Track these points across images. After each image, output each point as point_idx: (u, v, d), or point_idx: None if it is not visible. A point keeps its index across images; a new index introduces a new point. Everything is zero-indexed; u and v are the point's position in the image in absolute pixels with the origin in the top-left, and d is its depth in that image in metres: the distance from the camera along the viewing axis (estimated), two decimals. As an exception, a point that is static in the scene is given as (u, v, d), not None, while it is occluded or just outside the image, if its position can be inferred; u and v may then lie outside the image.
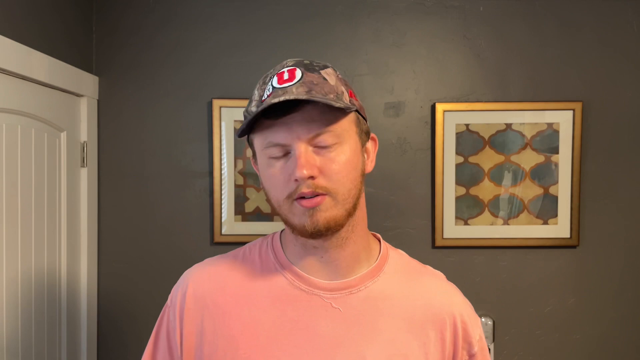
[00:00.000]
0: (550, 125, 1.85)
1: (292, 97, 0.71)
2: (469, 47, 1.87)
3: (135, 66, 1.87)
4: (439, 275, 0.89)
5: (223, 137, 1.85)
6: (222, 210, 1.85)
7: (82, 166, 1.79)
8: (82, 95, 1.78)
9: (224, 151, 1.85)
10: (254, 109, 0.77)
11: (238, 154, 1.86)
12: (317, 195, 0.73)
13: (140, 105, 1.88)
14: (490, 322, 1.83)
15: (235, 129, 1.85)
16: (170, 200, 1.88)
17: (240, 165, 1.86)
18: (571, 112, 1.84)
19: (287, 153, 0.75)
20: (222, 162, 1.85)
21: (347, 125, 0.76)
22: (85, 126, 1.79)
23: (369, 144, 0.83)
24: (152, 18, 1.87)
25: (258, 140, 0.78)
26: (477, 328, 0.85)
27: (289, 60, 0.79)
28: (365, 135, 0.81)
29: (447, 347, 0.81)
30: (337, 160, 0.75)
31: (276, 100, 0.70)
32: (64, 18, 1.68)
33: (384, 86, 1.87)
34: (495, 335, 1.86)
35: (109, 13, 1.87)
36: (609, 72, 1.86)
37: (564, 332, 1.87)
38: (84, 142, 1.79)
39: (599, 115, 1.86)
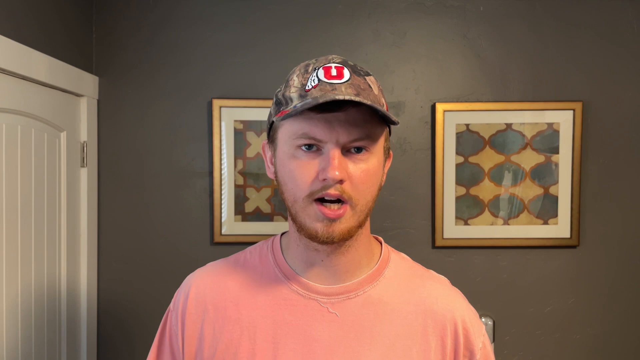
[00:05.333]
0: (550, 125, 1.85)
1: (353, 97, 0.68)
2: (469, 47, 1.87)
3: (135, 66, 1.87)
4: (442, 280, 0.87)
5: (223, 137, 1.85)
6: (222, 210, 1.85)
7: (82, 166, 1.79)
8: (82, 95, 1.78)
9: (224, 151, 1.85)
10: (294, 95, 0.74)
11: (238, 154, 1.86)
12: (339, 201, 0.72)
13: (140, 105, 1.88)
14: (490, 322, 1.83)
15: (235, 128, 1.85)
16: (170, 200, 1.88)
17: (240, 165, 1.86)
18: (571, 112, 1.84)
19: (317, 149, 0.73)
20: (222, 162, 1.85)
21: (380, 139, 0.76)
22: (85, 126, 1.79)
23: (386, 161, 0.82)
24: (152, 18, 1.87)
25: (289, 127, 0.74)
26: (481, 336, 0.82)
27: (333, 56, 0.77)
28: (387, 151, 0.80)
29: (447, 354, 0.80)
30: (366, 170, 0.74)
31: (341, 97, 0.68)
32: (64, 18, 1.68)
33: (384, 86, 1.87)
34: (495, 335, 1.86)
35: (109, 13, 1.87)
36: (609, 72, 1.86)
37: (564, 332, 1.87)
38: (84, 142, 1.79)
39: (599, 115, 1.86)
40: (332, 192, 0.72)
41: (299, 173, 0.73)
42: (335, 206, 0.73)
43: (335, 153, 0.71)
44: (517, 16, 1.86)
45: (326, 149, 0.72)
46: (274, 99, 0.79)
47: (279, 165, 0.77)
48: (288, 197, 0.76)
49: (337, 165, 0.70)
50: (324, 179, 0.71)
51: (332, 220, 0.73)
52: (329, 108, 0.71)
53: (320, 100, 0.68)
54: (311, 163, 0.73)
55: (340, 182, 0.71)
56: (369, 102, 0.69)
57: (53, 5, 1.62)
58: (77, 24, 1.78)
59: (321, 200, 0.73)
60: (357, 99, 0.68)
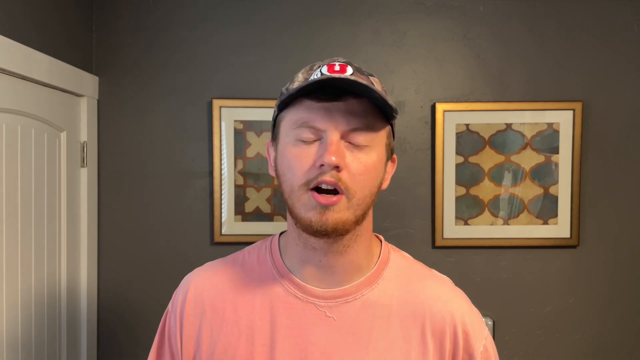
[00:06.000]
0: (550, 125, 1.85)
1: (349, 77, 0.69)
2: (469, 47, 1.87)
3: (136, 66, 1.87)
4: (444, 280, 0.85)
5: (223, 137, 1.85)
6: (222, 210, 1.85)
7: (82, 166, 1.79)
8: (82, 95, 1.78)
9: (224, 151, 1.85)
10: (297, 87, 0.74)
11: (238, 154, 1.86)
12: (335, 191, 0.72)
13: (140, 105, 1.88)
14: (490, 322, 1.83)
15: (235, 128, 1.85)
16: (170, 200, 1.88)
17: (240, 165, 1.86)
18: (571, 112, 1.84)
19: (317, 140, 0.73)
20: (222, 162, 1.85)
21: (381, 134, 0.76)
22: (85, 126, 1.79)
23: (389, 164, 0.82)
24: (152, 18, 1.87)
25: (291, 117, 0.75)
26: (482, 339, 0.80)
27: (339, 57, 0.79)
28: (390, 151, 0.80)
29: (446, 358, 0.78)
30: (365, 162, 0.73)
31: (337, 75, 0.69)
32: (64, 18, 1.68)
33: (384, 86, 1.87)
34: (495, 335, 1.86)
35: (109, 13, 1.87)
36: (609, 72, 1.86)
37: (564, 332, 1.87)
38: (84, 142, 1.79)
39: (599, 115, 1.86)
40: (328, 178, 0.71)
41: (296, 162, 0.73)
42: (329, 194, 0.72)
43: (334, 139, 0.71)
44: (517, 16, 1.86)
45: (325, 137, 0.72)
46: (279, 95, 0.80)
47: (279, 157, 0.77)
48: (285, 189, 0.76)
49: (335, 150, 0.71)
50: (321, 165, 0.71)
51: (325, 207, 0.72)
52: (328, 97, 0.71)
53: (316, 78, 0.69)
54: (310, 152, 0.73)
55: (337, 169, 0.71)
56: (365, 82, 0.70)
57: (53, 6, 1.62)
58: (78, 24, 1.78)
59: (317, 191, 0.72)
60: (352, 77, 0.69)
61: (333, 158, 0.70)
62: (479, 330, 0.81)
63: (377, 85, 0.76)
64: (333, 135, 0.72)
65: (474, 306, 0.84)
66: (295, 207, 0.74)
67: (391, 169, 0.82)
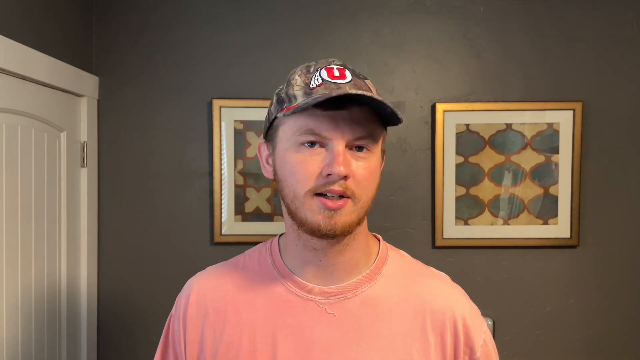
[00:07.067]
0: (550, 125, 1.85)
1: (365, 93, 0.70)
2: (469, 47, 1.87)
3: (136, 66, 1.87)
4: (443, 277, 0.87)
5: (223, 137, 1.85)
6: (222, 211, 1.85)
7: (82, 166, 1.79)
8: (82, 95, 1.78)
9: (224, 151, 1.85)
10: (298, 92, 0.75)
11: (238, 154, 1.86)
12: (342, 196, 0.73)
13: (140, 105, 1.88)
14: (490, 322, 1.83)
15: (235, 128, 1.85)
16: (171, 200, 1.88)
17: (240, 165, 1.86)
18: (571, 112, 1.84)
19: (320, 146, 0.74)
20: (222, 162, 1.85)
21: (379, 139, 0.78)
22: (85, 126, 1.79)
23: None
24: (152, 18, 1.87)
25: (293, 123, 0.75)
26: (481, 333, 0.83)
27: (333, 59, 0.80)
28: (383, 153, 0.82)
29: (447, 352, 0.79)
30: (368, 168, 0.75)
31: (354, 91, 0.70)
32: (64, 18, 1.68)
33: (384, 86, 1.87)
34: (495, 335, 1.86)
35: (109, 13, 1.87)
36: (609, 72, 1.86)
37: (564, 332, 1.87)
38: (84, 142, 1.79)
39: (599, 115, 1.86)
40: (336, 188, 0.72)
41: (300, 168, 0.74)
42: (336, 198, 0.73)
43: (340, 149, 0.72)
44: (517, 16, 1.86)
45: (331, 146, 0.73)
46: (275, 98, 0.80)
47: (279, 162, 0.78)
48: (287, 194, 0.76)
49: (343, 161, 0.72)
50: (329, 175, 0.72)
51: (333, 211, 0.73)
52: (334, 106, 0.72)
53: (334, 94, 0.70)
54: (314, 159, 0.74)
55: (345, 178, 0.72)
56: (380, 98, 0.72)
57: (53, 6, 1.62)
58: (77, 24, 1.78)
59: (323, 195, 0.73)
60: (369, 94, 0.71)
61: (342, 169, 0.71)
62: (478, 325, 0.83)
63: (372, 88, 0.78)
64: (339, 145, 0.73)
65: (472, 302, 0.86)
66: (299, 211, 0.75)
67: (382, 167, 0.84)
